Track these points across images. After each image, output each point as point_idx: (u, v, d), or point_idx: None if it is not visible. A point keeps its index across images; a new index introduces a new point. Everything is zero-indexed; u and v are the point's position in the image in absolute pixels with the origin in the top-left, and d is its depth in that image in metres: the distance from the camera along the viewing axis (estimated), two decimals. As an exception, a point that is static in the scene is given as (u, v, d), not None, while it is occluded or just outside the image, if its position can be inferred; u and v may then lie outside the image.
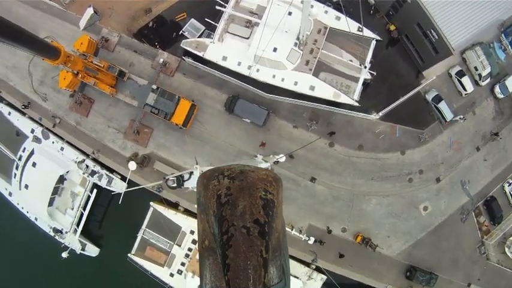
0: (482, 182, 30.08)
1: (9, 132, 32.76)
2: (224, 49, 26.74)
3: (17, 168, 32.16)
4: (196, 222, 1.67)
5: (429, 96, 28.92)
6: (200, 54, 27.03)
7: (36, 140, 31.34)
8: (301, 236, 27.34)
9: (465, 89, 29.09)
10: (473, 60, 29.14)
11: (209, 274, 1.51)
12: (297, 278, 28.05)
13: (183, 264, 28.78)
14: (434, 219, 29.39)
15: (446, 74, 29.57)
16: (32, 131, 31.47)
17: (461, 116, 28.68)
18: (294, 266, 28.21)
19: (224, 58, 26.74)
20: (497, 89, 29.64)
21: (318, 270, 28.72)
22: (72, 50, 26.83)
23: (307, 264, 28.70)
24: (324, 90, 26.55)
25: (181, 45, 27.80)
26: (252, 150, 28.01)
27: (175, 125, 27.96)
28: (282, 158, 18.66)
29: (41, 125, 31.36)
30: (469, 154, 29.75)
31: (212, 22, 27.26)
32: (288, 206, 27.72)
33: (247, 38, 26.70)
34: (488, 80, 29.52)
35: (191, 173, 11.29)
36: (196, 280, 28.25)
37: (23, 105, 30.98)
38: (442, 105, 28.53)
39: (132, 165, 25.79)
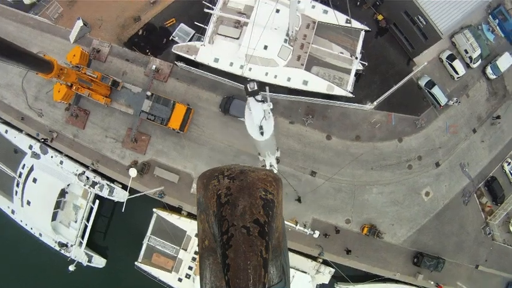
0: (481, 163, 30.24)
1: (7, 150, 32.78)
2: (215, 51, 26.90)
3: (17, 185, 32.17)
4: (197, 223, 1.69)
5: (422, 82, 29.11)
6: (192, 57, 27.19)
7: (35, 155, 31.38)
8: (306, 230, 27.38)
9: (457, 73, 29.28)
10: (463, 43, 29.37)
11: (209, 274, 1.52)
12: (305, 272, 28.11)
13: (190, 268, 28.80)
14: (437, 203, 29.50)
15: (437, 59, 29.78)
16: (30, 147, 31.51)
17: (456, 100, 28.85)
18: (301, 261, 28.30)
19: (216, 60, 26.90)
20: (488, 70, 29.86)
21: (325, 263, 28.78)
22: (65, 62, 26.93)
23: (314, 259, 28.76)
24: (317, 84, 26.71)
25: (172, 50, 27.95)
26: (250, 150, 28.11)
27: (172, 130, 28.06)
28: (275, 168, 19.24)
29: (39, 141, 31.40)
30: (466, 137, 29.92)
31: (201, 25, 27.40)
32: (290, 202, 27.82)
33: (237, 38, 26.87)
34: (479, 62, 29.74)
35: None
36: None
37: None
38: (436, 90, 28.70)
39: (133, 171, 25.99)
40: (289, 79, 26.56)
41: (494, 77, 29.90)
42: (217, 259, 1.42)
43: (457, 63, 29.20)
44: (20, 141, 32.14)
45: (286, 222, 28.09)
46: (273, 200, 1.48)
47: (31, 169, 31.56)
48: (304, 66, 26.67)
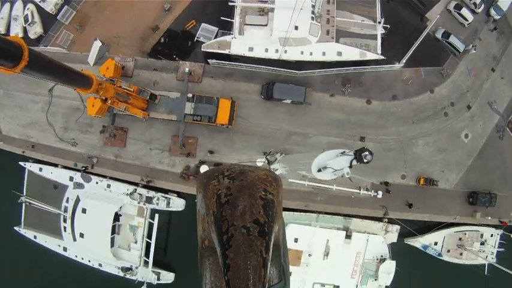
0: (506, 98, 32.33)
1: (46, 188, 31.69)
2: (247, 40, 27.42)
3: (64, 220, 31.09)
4: (196, 222, 1.71)
5: (438, 34, 30.87)
6: (226, 51, 27.57)
7: (78, 185, 30.52)
8: (370, 193, 28.34)
9: (466, 19, 31.32)
10: (465, -9, 31.52)
11: (209, 274, 1.55)
12: (376, 234, 28.91)
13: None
14: (477, 143, 31.22)
15: (446, 11, 31.69)
16: (71, 178, 30.64)
17: (472, 45, 30.81)
18: (370, 225, 29.12)
19: (250, 49, 27.43)
20: (492, 12, 32.09)
21: (390, 221, 29.70)
22: (98, 76, 26.42)
23: (379, 220, 29.60)
24: (350, 52, 27.87)
25: (202, 49, 28.20)
26: (299, 129, 28.75)
27: (218, 127, 28.19)
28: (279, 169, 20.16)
29: (79, 170, 30.55)
30: (487, 77, 31.93)
31: (228, 19, 27.85)
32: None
33: (266, 25, 27.53)
34: (483, 6, 31.92)
35: None
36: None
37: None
38: (453, 39, 30.54)
39: (205, 168, 25.89)
40: (324, 53, 27.52)
41: (499, 17, 32.17)
42: (217, 259, 1.41)
43: (464, 11, 31.24)
44: (58, 175, 31.18)
45: (350, 189, 28.46)
46: (273, 200, 1.50)
47: (77, 200, 30.63)
48: (335, 39, 27.73)
